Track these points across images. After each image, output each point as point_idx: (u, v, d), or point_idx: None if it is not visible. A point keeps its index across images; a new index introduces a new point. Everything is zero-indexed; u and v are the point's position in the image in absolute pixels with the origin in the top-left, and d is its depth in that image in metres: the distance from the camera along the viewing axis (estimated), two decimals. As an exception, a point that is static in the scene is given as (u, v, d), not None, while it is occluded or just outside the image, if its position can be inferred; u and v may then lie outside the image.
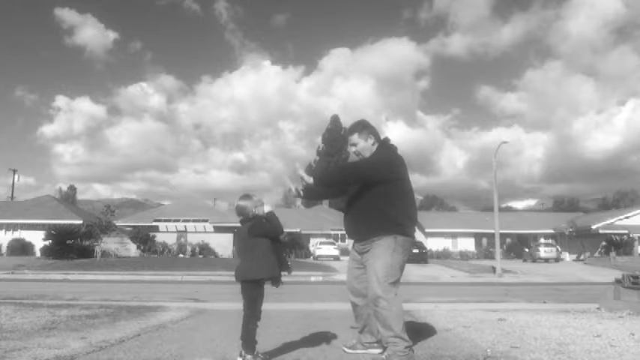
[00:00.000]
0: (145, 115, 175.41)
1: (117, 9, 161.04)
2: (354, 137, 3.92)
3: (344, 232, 4.23)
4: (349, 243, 4.50)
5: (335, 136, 59.13)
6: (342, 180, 3.94)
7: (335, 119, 64.29)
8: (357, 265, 3.93)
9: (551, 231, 45.22)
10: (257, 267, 3.57)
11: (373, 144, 3.90)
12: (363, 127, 3.94)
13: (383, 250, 3.64)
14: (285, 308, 7.33)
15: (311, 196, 3.98)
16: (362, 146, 3.90)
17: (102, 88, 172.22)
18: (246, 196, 3.72)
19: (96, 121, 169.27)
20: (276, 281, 3.66)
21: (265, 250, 3.58)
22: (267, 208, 3.67)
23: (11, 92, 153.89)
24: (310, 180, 3.70)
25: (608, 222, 40.55)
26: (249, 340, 3.55)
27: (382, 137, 4.00)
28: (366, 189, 3.73)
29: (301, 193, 3.86)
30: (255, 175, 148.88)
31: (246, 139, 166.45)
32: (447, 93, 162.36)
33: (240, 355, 3.52)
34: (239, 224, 3.77)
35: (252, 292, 3.61)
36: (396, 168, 3.80)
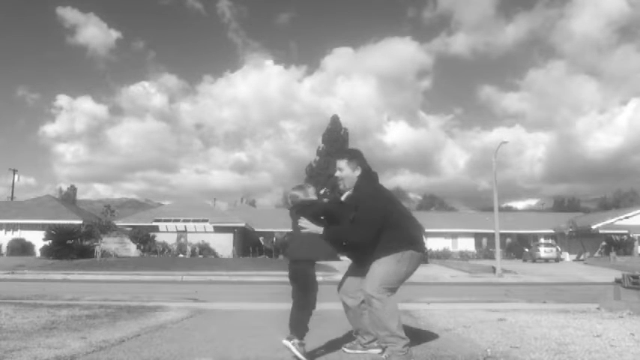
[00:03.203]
0: (147, 114, 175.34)
1: (119, 8, 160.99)
2: (343, 163, 3.90)
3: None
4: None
5: (335, 136, 59.06)
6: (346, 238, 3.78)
7: (335, 119, 64.22)
8: (357, 268, 3.93)
9: (551, 231, 45.19)
10: (307, 247, 3.66)
11: (358, 176, 3.87)
12: (352, 157, 3.92)
13: (388, 259, 3.62)
14: (286, 308, 7.31)
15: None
16: (346, 174, 3.89)
17: (104, 87, 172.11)
18: (299, 187, 3.94)
19: (97, 120, 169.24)
20: (331, 257, 3.79)
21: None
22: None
23: (13, 92, 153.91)
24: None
25: (608, 222, 40.51)
26: (301, 327, 3.60)
27: (366, 166, 3.94)
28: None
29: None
30: (257, 175, 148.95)
31: (247, 139, 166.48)
32: (449, 93, 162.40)
33: (288, 339, 3.55)
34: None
35: (304, 275, 3.66)
36: (383, 199, 3.76)
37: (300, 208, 3.77)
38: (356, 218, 3.63)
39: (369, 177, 3.90)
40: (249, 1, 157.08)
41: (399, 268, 3.63)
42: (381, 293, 3.54)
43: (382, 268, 3.61)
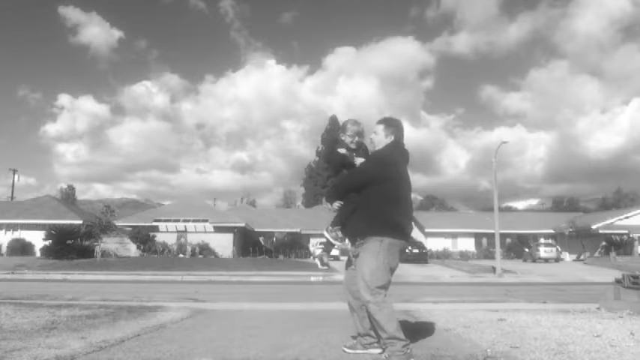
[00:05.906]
0: (149, 114, 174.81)
1: (122, 7, 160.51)
2: (379, 128, 3.92)
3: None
4: (349, 243, 4.46)
5: (334, 136, 59.36)
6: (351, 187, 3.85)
7: (334, 120, 64.42)
8: (352, 267, 3.96)
9: (551, 231, 45.22)
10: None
11: (387, 143, 3.88)
12: (389, 124, 3.93)
13: (368, 255, 3.66)
14: (285, 308, 7.32)
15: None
16: (379, 139, 3.90)
17: (105, 86, 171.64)
18: (355, 122, 4.02)
19: (99, 120, 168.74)
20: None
21: None
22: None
23: (14, 91, 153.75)
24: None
25: (608, 222, 40.55)
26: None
27: (400, 139, 3.96)
28: (361, 188, 3.73)
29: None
30: (257, 175, 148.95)
31: (249, 139, 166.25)
32: (450, 92, 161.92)
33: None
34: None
35: None
36: (392, 167, 3.76)
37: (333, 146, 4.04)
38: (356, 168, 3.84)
39: (396, 147, 3.89)
40: (252, 0, 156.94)
41: (379, 262, 3.62)
42: (375, 296, 3.55)
43: (365, 268, 3.63)
